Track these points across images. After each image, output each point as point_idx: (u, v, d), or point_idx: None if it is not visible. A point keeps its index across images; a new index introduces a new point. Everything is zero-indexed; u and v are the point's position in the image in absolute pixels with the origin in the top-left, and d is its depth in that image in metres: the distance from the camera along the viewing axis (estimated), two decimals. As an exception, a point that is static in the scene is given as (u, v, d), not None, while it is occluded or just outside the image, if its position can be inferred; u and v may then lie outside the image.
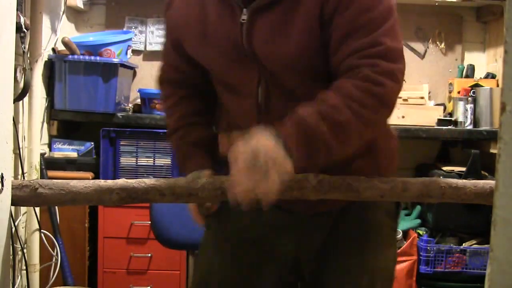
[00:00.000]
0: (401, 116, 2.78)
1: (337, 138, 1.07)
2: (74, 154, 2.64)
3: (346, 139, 1.09)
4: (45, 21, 2.41)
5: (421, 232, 2.71)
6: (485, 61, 3.13)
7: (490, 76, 2.95)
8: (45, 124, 2.57)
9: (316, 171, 1.14)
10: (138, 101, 2.80)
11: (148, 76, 3.03)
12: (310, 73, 1.19)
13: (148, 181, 1.21)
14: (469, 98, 2.78)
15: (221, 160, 1.20)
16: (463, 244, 2.67)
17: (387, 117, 1.19)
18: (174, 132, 1.38)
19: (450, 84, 2.98)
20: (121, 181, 1.21)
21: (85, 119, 2.64)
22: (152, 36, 3.05)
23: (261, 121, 1.16)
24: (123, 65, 2.65)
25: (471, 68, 3.01)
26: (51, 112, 2.61)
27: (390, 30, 1.12)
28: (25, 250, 2.23)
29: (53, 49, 2.60)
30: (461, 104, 2.79)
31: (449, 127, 2.76)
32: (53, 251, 2.36)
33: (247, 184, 1.03)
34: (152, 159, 2.65)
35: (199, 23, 1.25)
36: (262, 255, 1.32)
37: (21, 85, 2.06)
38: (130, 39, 2.82)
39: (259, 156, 1.03)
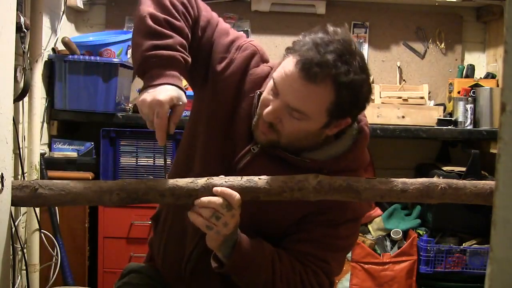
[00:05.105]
0: (401, 116, 2.78)
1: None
2: (74, 154, 2.63)
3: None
4: (45, 21, 2.41)
5: (421, 232, 2.71)
6: (485, 61, 3.13)
7: (490, 76, 2.95)
8: (45, 124, 2.56)
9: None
10: (138, 101, 2.80)
11: (148, 76, 3.03)
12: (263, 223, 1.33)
13: (148, 181, 1.21)
14: (469, 98, 2.78)
15: None
16: (463, 244, 2.67)
17: None
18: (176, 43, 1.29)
19: (450, 84, 2.97)
20: (121, 182, 1.21)
21: (85, 119, 2.63)
22: (152, 36, 3.04)
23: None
24: (123, 65, 2.64)
25: (471, 68, 3.01)
26: (51, 112, 2.60)
27: (341, 257, 1.40)
28: (25, 250, 2.22)
29: (53, 49, 2.60)
30: (461, 104, 2.78)
31: (449, 127, 2.75)
32: (53, 251, 2.36)
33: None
34: (152, 159, 2.64)
35: (232, 101, 1.35)
36: None
37: (21, 85, 2.06)
38: (130, 39, 2.81)
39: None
